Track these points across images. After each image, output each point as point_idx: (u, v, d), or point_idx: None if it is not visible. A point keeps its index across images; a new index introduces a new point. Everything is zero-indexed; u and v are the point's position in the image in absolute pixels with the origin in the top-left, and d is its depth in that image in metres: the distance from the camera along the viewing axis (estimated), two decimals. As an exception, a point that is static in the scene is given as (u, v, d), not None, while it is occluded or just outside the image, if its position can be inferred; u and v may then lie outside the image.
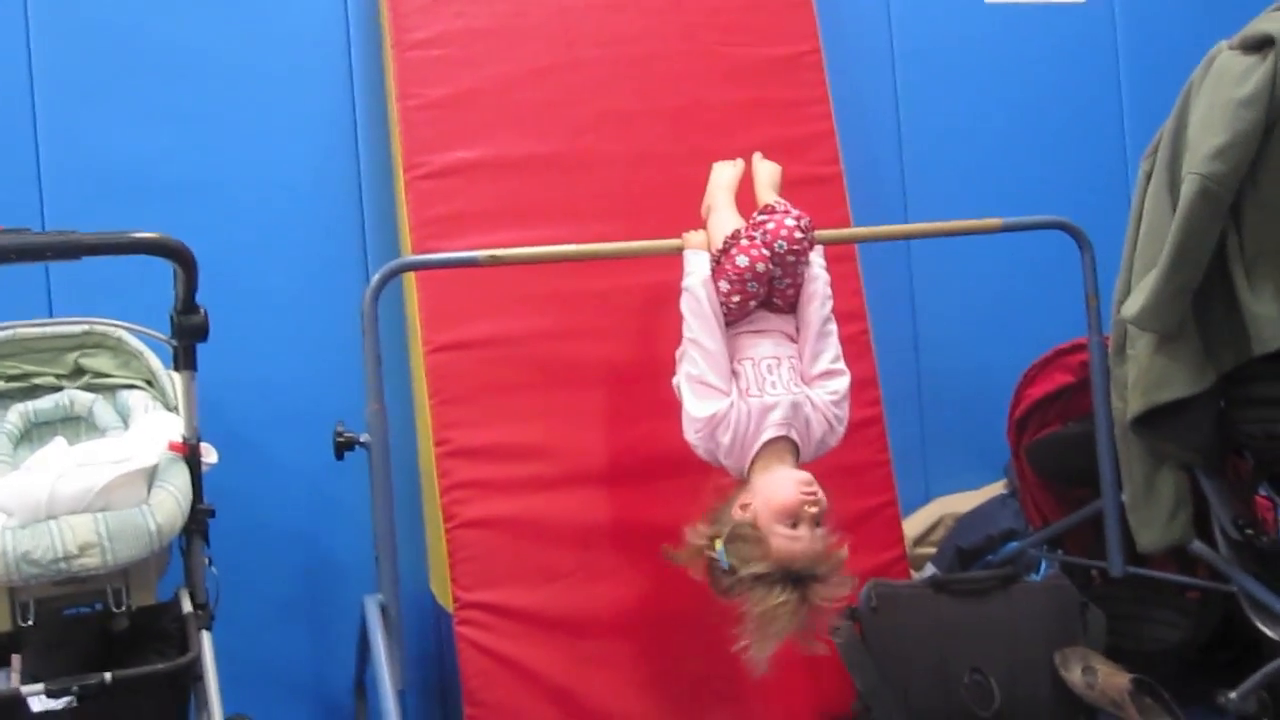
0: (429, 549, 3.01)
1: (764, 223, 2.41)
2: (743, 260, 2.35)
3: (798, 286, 2.42)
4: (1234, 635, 2.76)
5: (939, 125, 3.57)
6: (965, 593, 2.76)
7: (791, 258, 2.38)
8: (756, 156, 2.72)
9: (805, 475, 2.24)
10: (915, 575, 3.13)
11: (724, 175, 2.67)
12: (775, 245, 2.36)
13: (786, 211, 2.43)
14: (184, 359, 2.21)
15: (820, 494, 2.20)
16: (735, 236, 2.40)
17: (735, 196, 2.60)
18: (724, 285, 2.37)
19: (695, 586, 2.78)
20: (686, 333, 2.41)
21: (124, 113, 2.96)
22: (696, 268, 2.44)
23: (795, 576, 2.16)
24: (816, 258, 2.48)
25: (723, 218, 2.51)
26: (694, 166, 3.01)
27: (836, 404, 2.36)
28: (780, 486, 2.22)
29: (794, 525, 2.18)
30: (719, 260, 2.39)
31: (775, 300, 2.43)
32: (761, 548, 2.18)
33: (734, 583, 2.21)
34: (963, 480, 3.42)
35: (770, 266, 2.36)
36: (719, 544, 2.25)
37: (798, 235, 2.38)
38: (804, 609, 2.16)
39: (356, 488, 2.78)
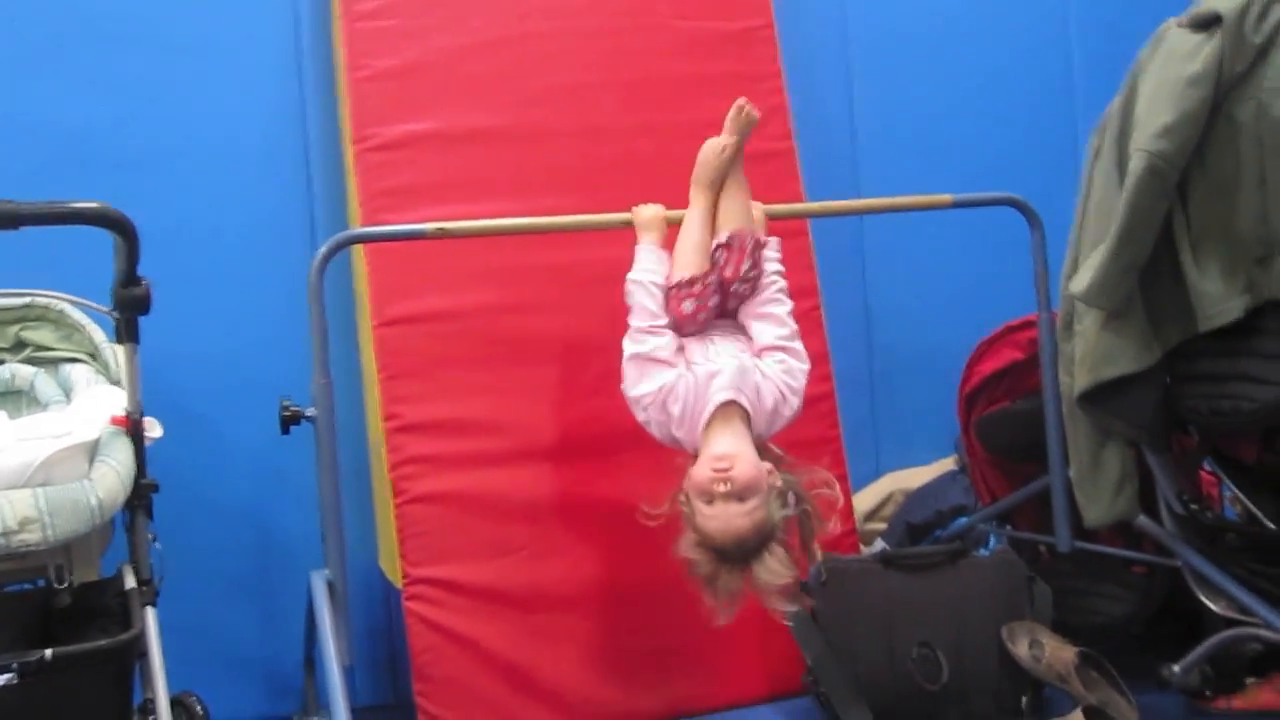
0: (378, 524, 2.99)
1: (720, 265, 2.38)
2: (689, 306, 2.35)
3: (754, 290, 2.42)
4: (1179, 610, 2.79)
5: (891, 101, 3.58)
6: (914, 567, 2.77)
7: (745, 286, 2.38)
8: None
9: (724, 451, 2.20)
10: (865, 550, 3.14)
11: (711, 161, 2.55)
12: (730, 288, 2.37)
13: (742, 249, 2.38)
14: (126, 332, 2.18)
15: (735, 471, 2.15)
16: (690, 283, 2.36)
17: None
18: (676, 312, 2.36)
19: (646, 561, 2.79)
20: (633, 320, 2.39)
21: (66, 82, 2.91)
22: (647, 265, 2.42)
23: (722, 553, 2.15)
24: (771, 253, 2.47)
25: (691, 220, 2.47)
26: (646, 140, 3.02)
27: (788, 373, 2.33)
28: (698, 463, 2.21)
29: (709, 502, 2.17)
30: (668, 293, 2.37)
31: (729, 304, 2.43)
32: (690, 523, 2.18)
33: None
34: (913, 456, 3.44)
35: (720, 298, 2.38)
36: None
37: (745, 268, 2.37)
38: (739, 581, 2.15)
39: (304, 462, 2.75)
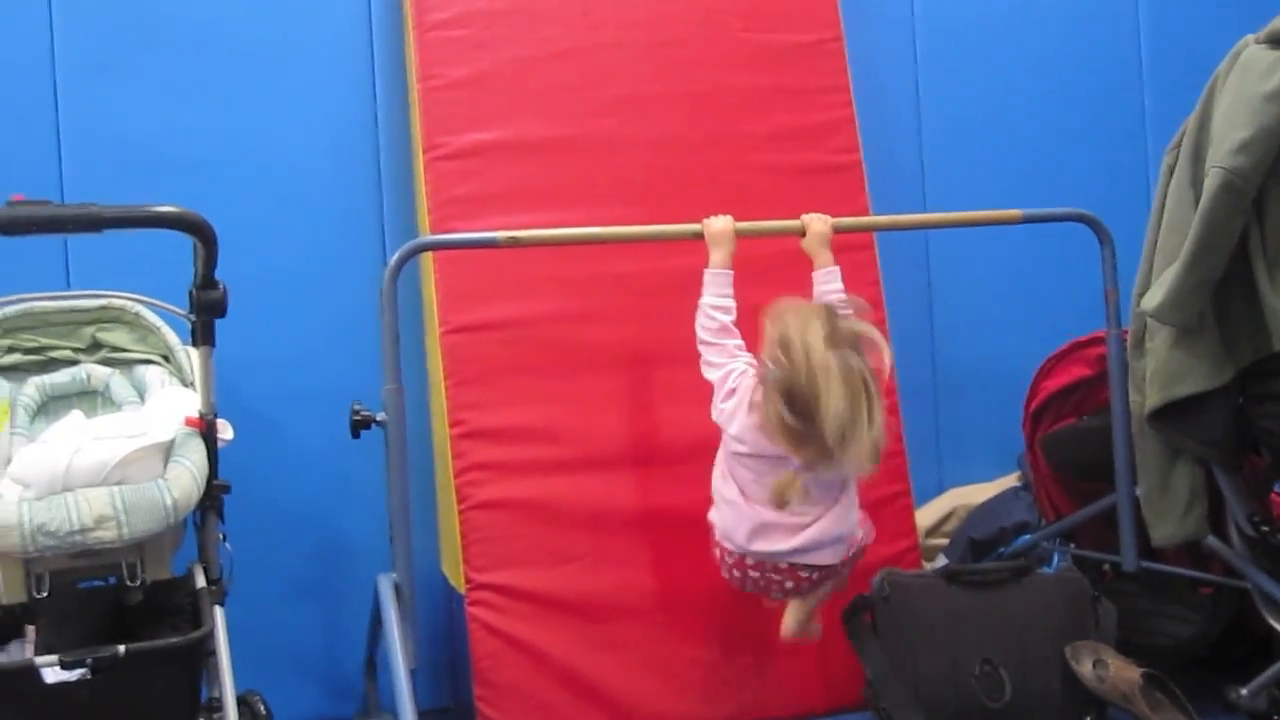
0: (441, 530, 3.01)
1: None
2: None
3: None
4: (1246, 632, 2.75)
5: (959, 115, 3.56)
6: (977, 584, 2.75)
7: None
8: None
9: None
10: (927, 566, 3.13)
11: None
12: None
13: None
14: (202, 334, 2.22)
15: None
16: None
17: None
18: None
19: (706, 572, 2.80)
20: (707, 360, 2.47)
21: (144, 87, 2.96)
22: (717, 299, 2.47)
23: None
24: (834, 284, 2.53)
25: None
26: (713, 152, 3.03)
27: None
28: None
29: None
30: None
31: None
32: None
33: None
34: (976, 472, 3.42)
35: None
36: None
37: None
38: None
39: (370, 468, 2.79)
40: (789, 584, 2.39)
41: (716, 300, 2.45)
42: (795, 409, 2.18)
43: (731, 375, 2.39)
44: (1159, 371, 2.46)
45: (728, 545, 2.40)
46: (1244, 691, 2.58)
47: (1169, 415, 2.47)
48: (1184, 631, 2.84)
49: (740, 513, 2.36)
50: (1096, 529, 2.97)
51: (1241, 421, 2.45)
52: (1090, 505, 2.92)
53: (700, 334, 2.46)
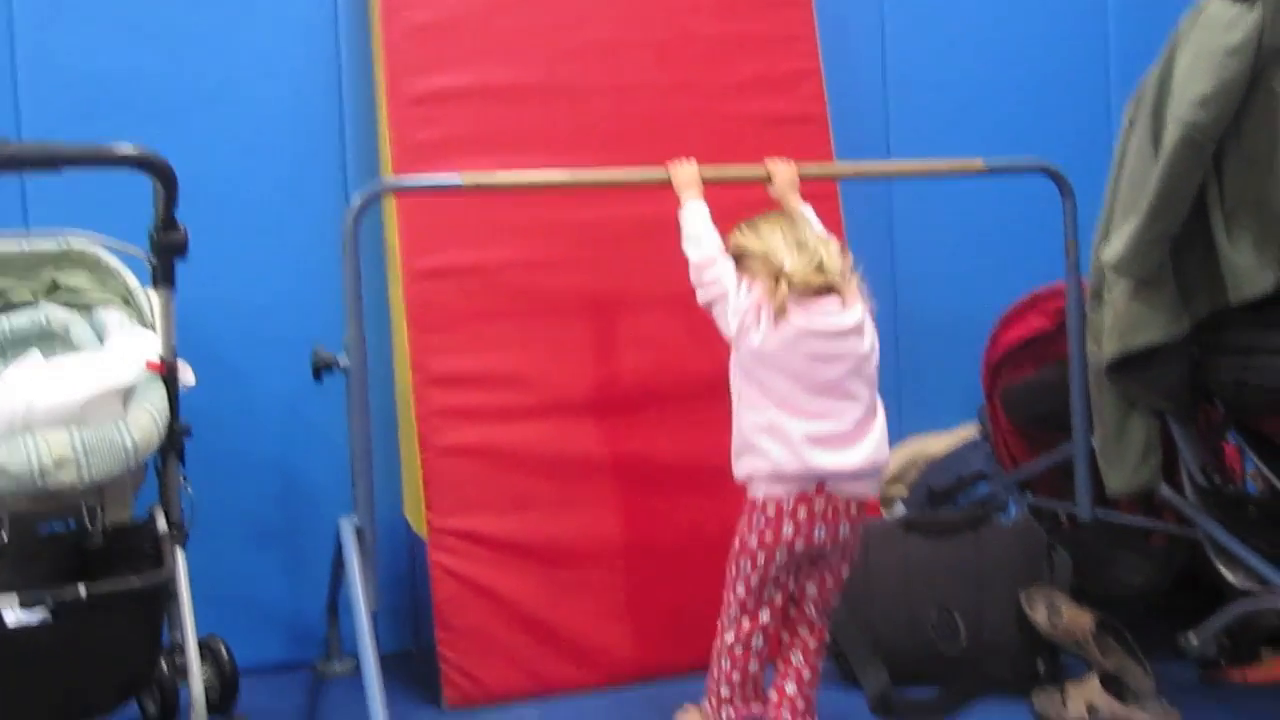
0: (404, 475, 3.02)
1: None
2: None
3: None
4: (1198, 581, 2.80)
5: (924, 67, 3.56)
6: (934, 532, 2.79)
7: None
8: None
9: None
10: (886, 515, 3.16)
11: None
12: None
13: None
14: (163, 276, 2.20)
15: None
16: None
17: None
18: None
19: (668, 517, 2.83)
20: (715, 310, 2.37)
21: (103, 27, 2.92)
22: (700, 230, 2.39)
23: None
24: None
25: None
26: (678, 99, 3.03)
27: None
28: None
29: None
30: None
31: None
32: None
33: None
34: (936, 422, 3.44)
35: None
36: None
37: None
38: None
39: (332, 413, 2.79)
40: (831, 529, 2.29)
41: (697, 231, 2.38)
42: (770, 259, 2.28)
43: (738, 288, 2.31)
44: (1116, 323, 2.48)
45: (778, 490, 2.26)
46: (1193, 638, 2.63)
47: (1126, 366, 2.50)
48: (1137, 579, 2.88)
49: (790, 433, 2.24)
50: (1053, 479, 3.01)
51: (1197, 373, 2.48)
52: (1047, 456, 2.95)
53: (692, 273, 2.36)
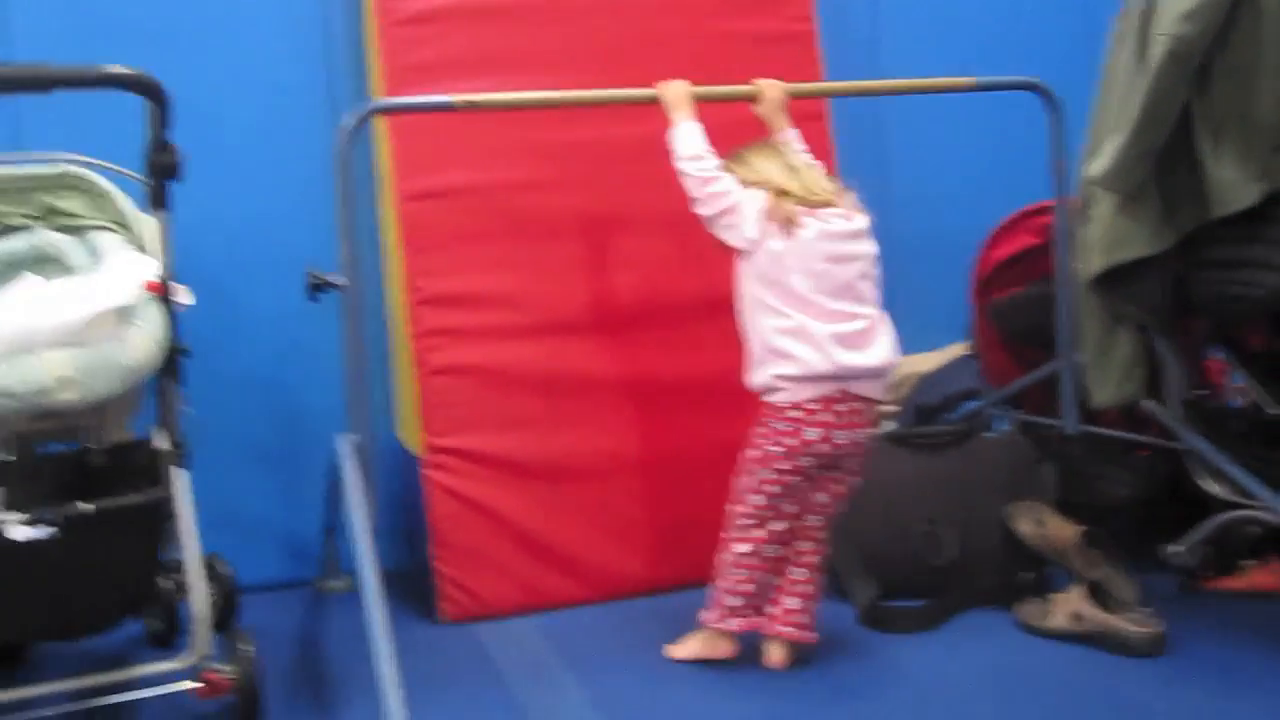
0: (399, 396, 3.05)
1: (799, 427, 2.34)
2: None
3: None
4: (1181, 494, 2.84)
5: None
6: (923, 447, 2.84)
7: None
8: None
9: None
10: (877, 432, 3.19)
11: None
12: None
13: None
14: (157, 198, 2.21)
15: None
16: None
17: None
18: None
19: (661, 434, 2.86)
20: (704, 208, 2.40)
21: (89, -49, 2.91)
22: (695, 150, 2.40)
23: None
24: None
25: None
26: (669, 18, 3.03)
27: None
28: None
29: None
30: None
31: None
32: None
33: None
34: (926, 341, 3.46)
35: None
36: None
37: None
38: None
39: (327, 334, 2.80)
40: (851, 433, 2.35)
41: (695, 150, 2.40)
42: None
43: (748, 195, 2.36)
44: (1102, 238, 2.51)
45: (805, 394, 2.30)
46: (1175, 548, 2.68)
47: (1111, 281, 2.52)
48: (1121, 492, 2.93)
49: (815, 333, 2.30)
50: (1040, 395, 3.04)
51: (1181, 288, 2.51)
52: (1034, 372, 2.98)
53: (695, 188, 2.38)
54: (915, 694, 2.29)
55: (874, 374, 2.35)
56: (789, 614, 2.43)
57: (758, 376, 2.36)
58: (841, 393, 2.32)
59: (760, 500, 2.37)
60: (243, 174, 3.01)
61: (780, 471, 2.34)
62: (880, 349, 2.36)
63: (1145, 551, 2.75)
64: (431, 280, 2.82)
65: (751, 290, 2.35)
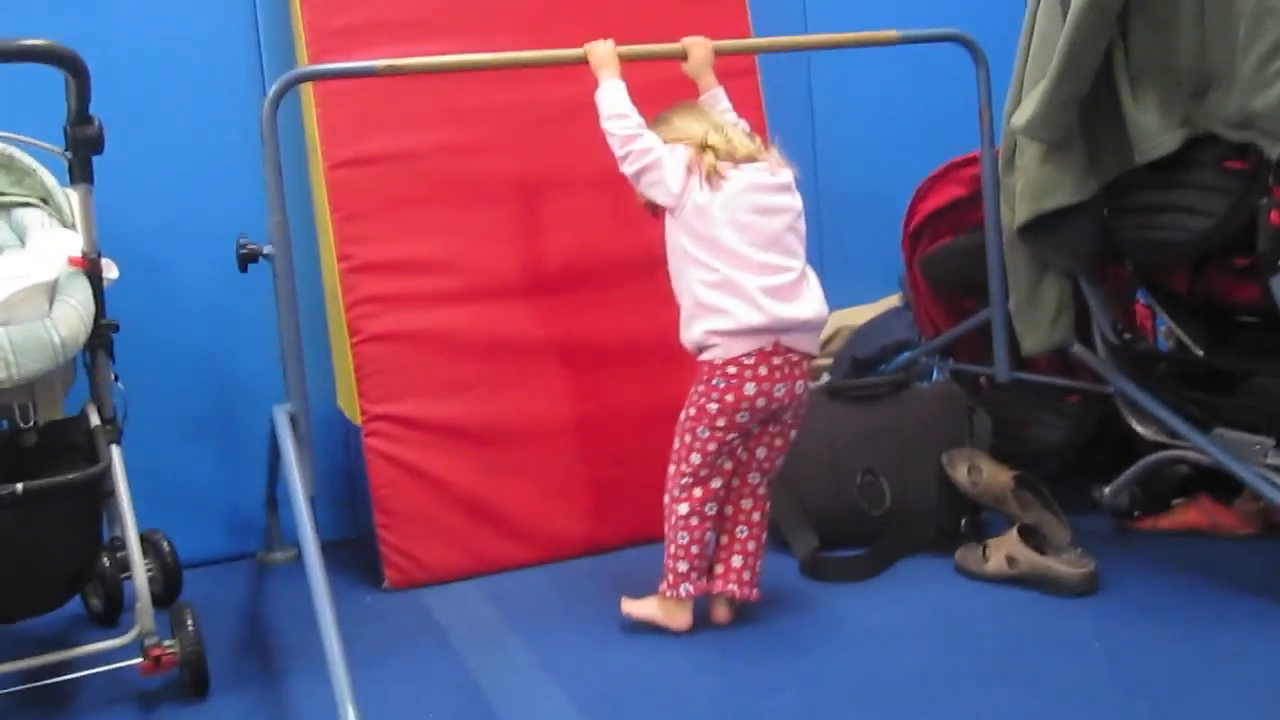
0: (335, 365, 3.04)
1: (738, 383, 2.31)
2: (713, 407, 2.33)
3: None
4: (1112, 438, 2.90)
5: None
6: (858, 398, 2.87)
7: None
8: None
9: None
10: (812, 385, 3.22)
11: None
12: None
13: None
14: (80, 172, 2.18)
15: None
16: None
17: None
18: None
19: (599, 395, 2.87)
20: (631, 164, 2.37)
21: (3, -81, 2.84)
22: (619, 108, 2.39)
23: None
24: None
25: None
26: (597, -21, 2.99)
27: None
28: None
29: None
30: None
31: None
32: None
33: None
34: (860, 294, 3.50)
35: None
36: None
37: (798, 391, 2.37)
38: None
39: (259, 304, 2.79)
40: (789, 385, 2.33)
41: (619, 109, 2.38)
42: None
43: (671, 151, 2.34)
44: (1028, 186, 2.54)
45: (739, 348, 2.29)
46: (1106, 490, 2.75)
47: (1038, 229, 2.56)
48: (1053, 437, 2.98)
49: (745, 286, 2.28)
50: (972, 343, 3.08)
51: (1106, 234, 2.55)
52: (966, 321, 3.02)
53: (618, 146, 2.36)
54: (857, 642, 2.32)
55: (806, 326, 2.35)
56: (732, 572, 2.44)
57: (691, 333, 2.35)
58: (775, 345, 2.31)
59: (697, 460, 2.36)
60: (171, 145, 2.98)
61: (718, 429, 2.33)
62: (810, 301, 2.35)
63: (1078, 494, 2.81)
64: (362, 247, 2.80)
65: (679, 246, 2.34)
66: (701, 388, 2.34)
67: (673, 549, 2.39)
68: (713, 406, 2.32)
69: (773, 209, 2.34)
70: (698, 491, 2.37)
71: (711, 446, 2.35)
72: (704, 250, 2.31)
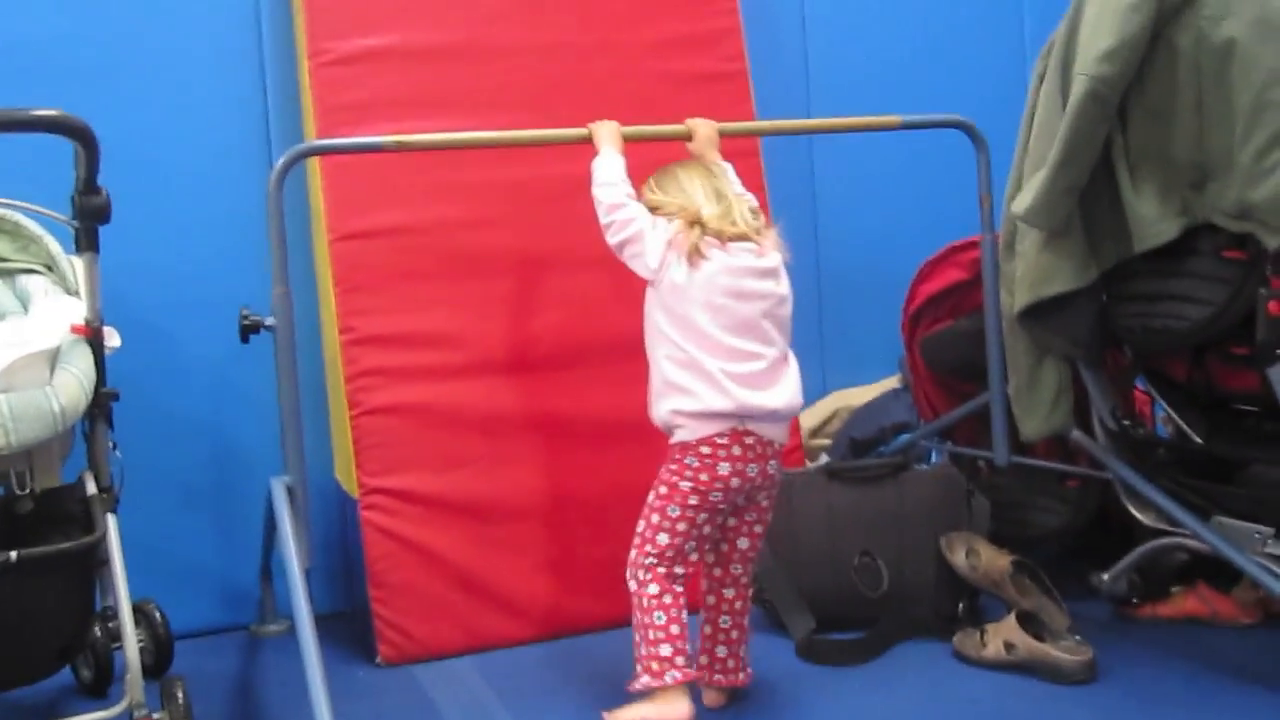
0: (334, 437, 3.03)
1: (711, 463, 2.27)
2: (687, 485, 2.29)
3: None
4: (1110, 523, 2.89)
5: (843, 24, 3.61)
6: (857, 480, 2.86)
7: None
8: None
9: None
10: (810, 466, 3.22)
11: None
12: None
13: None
14: (86, 241, 2.19)
15: None
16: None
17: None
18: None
19: (598, 473, 2.86)
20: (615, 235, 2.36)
21: (18, -8, 2.89)
22: (611, 178, 2.39)
23: None
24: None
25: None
26: (600, 58, 3.06)
27: None
28: None
29: None
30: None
31: None
32: None
33: None
34: (859, 375, 3.51)
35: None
36: None
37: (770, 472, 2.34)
38: None
39: (260, 375, 2.80)
40: (761, 466, 2.29)
41: (610, 178, 2.37)
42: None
43: (654, 224, 2.32)
44: (1028, 272, 2.55)
45: (709, 429, 2.25)
46: (1105, 577, 2.72)
47: (1038, 314, 2.57)
48: (1052, 522, 2.97)
49: (711, 369, 2.24)
50: (971, 427, 3.08)
51: (1105, 320, 2.55)
52: (965, 405, 3.02)
53: (603, 214, 2.35)
54: (852, 727, 2.30)
55: (774, 416, 2.29)
56: (717, 662, 2.40)
57: (658, 411, 2.31)
58: (745, 430, 2.26)
59: (664, 540, 2.28)
60: (175, 215, 2.99)
61: (689, 507, 2.27)
62: (783, 391, 2.30)
63: (1077, 580, 2.80)
64: (364, 320, 2.81)
65: (654, 320, 2.31)
66: (674, 466, 2.29)
67: (650, 634, 2.25)
68: (686, 485, 2.27)
69: (750, 294, 2.29)
70: (661, 570, 2.28)
71: (682, 526, 2.28)
72: (676, 328, 2.28)
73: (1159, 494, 2.58)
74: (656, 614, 2.25)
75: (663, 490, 2.31)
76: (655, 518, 2.30)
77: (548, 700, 2.50)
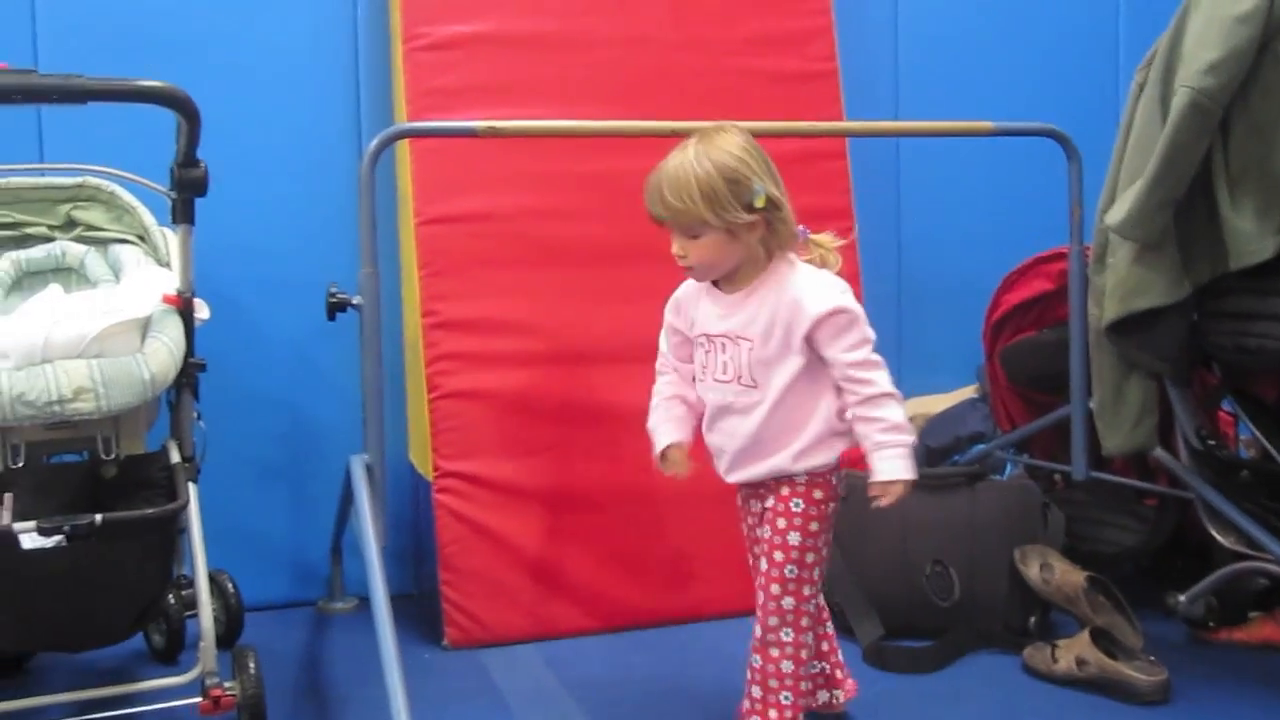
0: (411, 419, 3.06)
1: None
2: None
3: None
4: (1188, 544, 2.85)
5: (935, 28, 3.58)
6: (932, 487, 2.83)
7: None
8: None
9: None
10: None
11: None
12: None
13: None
14: (182, 212, 2.22)
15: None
16: None
17: None
18: None
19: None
20: None
21: (123, -33, 2.93)
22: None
23: None
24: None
25: None
26: (690, 53, 3.05)
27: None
28: None
29: None
30: None
31: None
32: None
33: None
34: (936, 383, 3.48)
35: None
36: None
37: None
38: None
39: (342, 355, 2.84)
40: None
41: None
42: None
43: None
44: (1118, 285, 2.51)
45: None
46: (1182, 598, 2.68)
47: (1126, 329, 2.53)
48: (1128, 540, 2.93)
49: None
50: (1048, 440, 3.05)
51: (1195, 338, 2.52)
52: (1044, 417, 2.99)
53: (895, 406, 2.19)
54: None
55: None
56: (840, 667, 2.33)
57: (823, 457, 2.13)
58: None
59: (809, 591, 2.11)
60: (266, 192, 3.03)
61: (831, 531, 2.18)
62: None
63: (1151, 599, 2.76)
64: (446, 304, 2.83)
65: (806, 380, 2.13)
66: (819, 494, 2.13)
67: (784, 684, 2.07)
68: (833, 508, 2.17)
69: None
70: (806, 622, 2.10)
71: (818, 572, 2.14)
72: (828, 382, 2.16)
73: (1241, 516, 2.54)
74: (786, 662, 2.08)
75: (814, 527, 2.13)
76: (809, 556, 2.12)
77: (612, 692, 2.50)
